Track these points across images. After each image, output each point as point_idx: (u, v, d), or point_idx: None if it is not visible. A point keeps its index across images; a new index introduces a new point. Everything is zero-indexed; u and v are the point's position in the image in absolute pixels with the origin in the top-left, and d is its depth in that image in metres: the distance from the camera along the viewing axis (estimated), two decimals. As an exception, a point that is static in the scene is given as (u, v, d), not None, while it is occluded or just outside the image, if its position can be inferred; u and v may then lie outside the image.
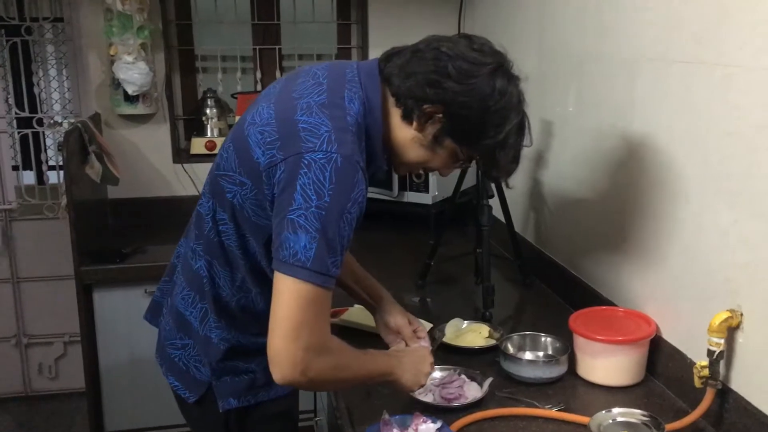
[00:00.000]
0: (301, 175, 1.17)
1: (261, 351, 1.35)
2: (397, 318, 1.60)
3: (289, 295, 1.17)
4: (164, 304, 1.54)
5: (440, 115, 1.26)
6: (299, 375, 1.18)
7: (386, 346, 1.58)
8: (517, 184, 2.35)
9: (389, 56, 1.32)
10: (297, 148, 1.19)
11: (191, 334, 1.43)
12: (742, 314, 1.32)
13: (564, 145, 2.09)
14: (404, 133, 1.31)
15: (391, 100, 1.30)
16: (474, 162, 1.39)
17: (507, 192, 2.10)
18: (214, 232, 1.36)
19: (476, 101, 1.24)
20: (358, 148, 1.23)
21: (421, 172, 1.40)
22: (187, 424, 1.56)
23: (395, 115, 1.30)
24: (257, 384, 1.42)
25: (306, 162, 1.17)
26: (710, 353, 1.34)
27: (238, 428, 1.44)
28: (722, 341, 1.33)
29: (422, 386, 1.44)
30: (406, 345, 1.57)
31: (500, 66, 1.27)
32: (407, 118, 1.29)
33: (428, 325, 1.74)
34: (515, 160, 1.34)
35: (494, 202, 2.01)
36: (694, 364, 1.38)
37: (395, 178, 2.59)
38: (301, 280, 1.16)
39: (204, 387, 1.42)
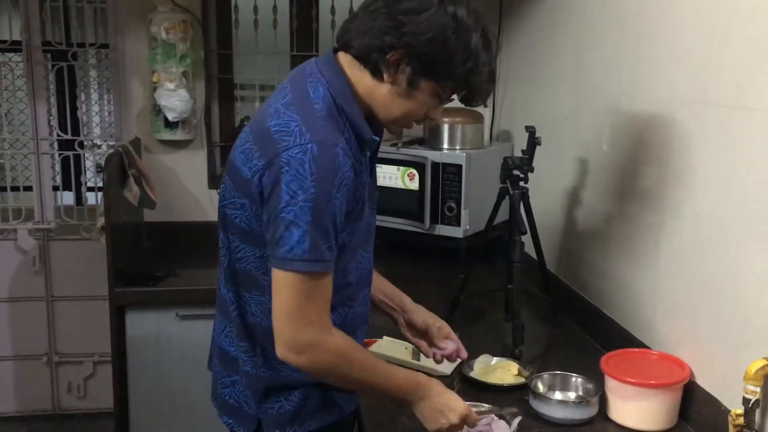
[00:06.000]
0: (283, 173, 1.22)
1: (298, 383, 1.37)
2: (423, 315, 1.61)
3: (285, 286, 1.24)
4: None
5: (407, 59, 1.28)
6: (295, 357, 1.26)
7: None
8: (550, 220, 2.34)
9: (345, 27, 1.35)
10: (274, 150, 1.24)
11: (237, 370, 1.45)
12: (779, 362, 1.30)
13: (598, 183, 2.09)
14: (380, 91, 1.32)
15: (356, 66, 1.32)
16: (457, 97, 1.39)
17: (540, 229, 2.09)
18: (233, 262, 1.39)
19: (435, 33, 1.26)
20: (335, 130, 1.27)
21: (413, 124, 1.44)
22: None
23: (365, 79, 1.32)
24: (303, 413, 1.41)
25: (285, 160, 1.22)
26: (746, 401, 1.31)
27: None
28: (758, 389, 1.30)
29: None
30: (433, 344, 1.59)
31: None
32: (377, 73, 1.31)
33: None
34: (491, 79, 1.36)
35: (526, 239, 2.01)
36: (729, 411, 1.36)
37: (427, 210, 2.59)
38: (298, 272, 1.22)
39: (255, 422, 1.43)
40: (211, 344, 1.57)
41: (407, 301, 1.65)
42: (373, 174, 1.47)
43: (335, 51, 1.37)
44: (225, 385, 1.48)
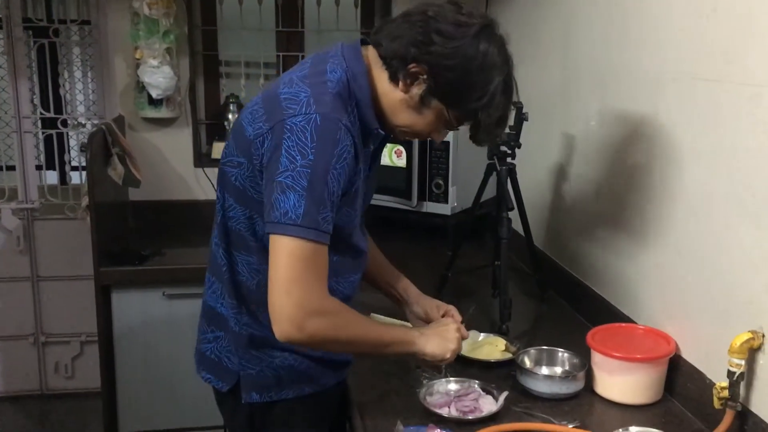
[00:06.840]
0: (285, 140, 1.23)
1: (280, 343, 1.36)
2: (424, 305, 1.64)
3: (282, 253, 1.22)
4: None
5: (425, 76, 1.30)
6: (296, 331, 1.22)
7: None
8: (538, 197, 2.34)
9: (382, 26, 1.37)
10: (279, 116, 1.25)
11: (222, 326, 1.47)
12: (764, 335, 1.31)
13: (585, 159, 2.08)
14: (393, 96, 1.34)
15: (379, 64, 1.34)
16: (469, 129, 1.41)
17: (527, 205, 2.09)
18: (225, 219, 1.42)
19: (459, 63, 1.28)
20: (342, 110, 1.28)
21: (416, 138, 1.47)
22: (222, 416, 1.58)
23: (383, 79, 1.34)
24: (282, 381, 1.44)
25: (288, 126, 1.23)
26: (730, 374, 1.32)
27: (261, 422, 1.47)
28: (743, 362, 1.31)
29: (451, 355, 1.44)
30: None
31: (484, 27, 1.30)
32: (393, 78, 1.33)
33: None
34: (500, 123, 1.37)
35: (514, 215, 2.00)
36: (714, 384, 1.37)
37: (414, 187, 2.59)
38: (293, 237, 1.21)
39: (235, 377, 1.45)
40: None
41: (411, 293, 1.67)
42: (372, 168, 1.48)
43: (364, 42, 1.38)
44: (207, 341, 1.50)
